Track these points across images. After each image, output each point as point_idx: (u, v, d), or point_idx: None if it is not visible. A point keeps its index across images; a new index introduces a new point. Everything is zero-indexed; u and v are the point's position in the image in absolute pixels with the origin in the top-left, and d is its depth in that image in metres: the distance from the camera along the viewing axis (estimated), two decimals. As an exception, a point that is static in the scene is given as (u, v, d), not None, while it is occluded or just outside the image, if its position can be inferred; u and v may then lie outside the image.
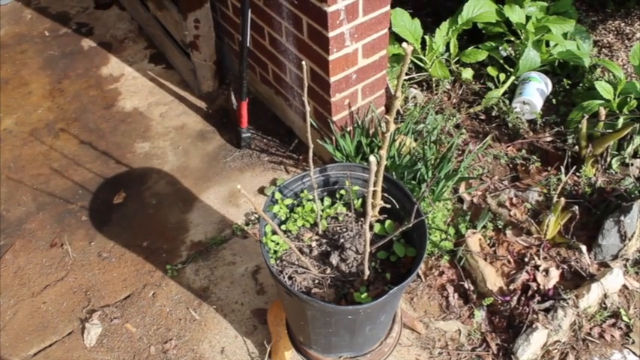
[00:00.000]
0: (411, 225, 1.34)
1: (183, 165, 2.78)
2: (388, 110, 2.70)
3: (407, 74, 3.02)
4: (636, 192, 2.43)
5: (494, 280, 2.18)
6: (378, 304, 1.38)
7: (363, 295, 1.46)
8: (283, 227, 1.64)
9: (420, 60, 3.02)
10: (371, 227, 1.64)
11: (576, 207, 2.24)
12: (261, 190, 2.62)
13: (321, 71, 2.29)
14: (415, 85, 3.00)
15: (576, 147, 2.65)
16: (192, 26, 2.83)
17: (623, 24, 3.44)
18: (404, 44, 1.14)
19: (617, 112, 2.71)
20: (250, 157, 2.78)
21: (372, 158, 1.12)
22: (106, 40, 3.55)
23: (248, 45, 2.52)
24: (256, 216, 2.51)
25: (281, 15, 2.34)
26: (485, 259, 2.24)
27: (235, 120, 2.77)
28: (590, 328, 2.13)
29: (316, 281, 1.55)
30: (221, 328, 2.20)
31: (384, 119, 2.49)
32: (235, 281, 2.33)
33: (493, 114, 2.87)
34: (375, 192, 1.53)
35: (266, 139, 2.85)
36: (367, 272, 1.48)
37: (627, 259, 2.29)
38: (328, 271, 1.56)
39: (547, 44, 2.98)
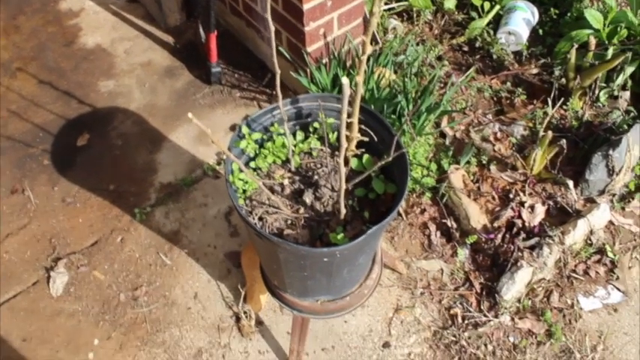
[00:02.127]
0: (390, 159, 1.22)
1: (150, 103, 2.62)
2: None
3: (386, 3, 2.84)
4: (625, 125, 2.33)
5: (477, 218, 2.09)
6: (356, 245, 1.28)
7: (339, 236, 1.35)
8: (252, 164, 1.52)
9: (400, -12, 2.83)
10: (347, 162, 1.52)
11: (563, 141, 2.14)
12: (233, 128, 2.48)
13: (293, -2, 2.12)
14: (395, 16, 2.82)
15: (563, 79, 2.53)
16: (154, -48, 2.61)
17: (613, -51, 3.26)
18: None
19: (607, 42, 2.58)
20: (221, 94, 2.62)
21: (344, 80, 0.99)
22: (64, -29, 3.30)
23: (215, -29, 2.32)
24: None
25: None
26: (469, 196, 2.15)
27: (204, 55, 2.59)
28: (575, 265, 2.07)
29: (289, 222, 1.44)
30: (193, 273, 2.10)
31: (360, 41, 2.34)
32: (207, 224, 2.22)
33: (477, 45, 2.72)
34: (351, 124, 1.41)
35: (237, 74, 2.68)
36: (343, 211, 1.37)
37: (614, 194, 2.22)
38: (302, 210, 1.45)
39: (534, -30, 2.82)
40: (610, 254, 2.09)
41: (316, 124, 1.55)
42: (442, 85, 2.49)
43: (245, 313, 1.95)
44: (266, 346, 1.94)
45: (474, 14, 2.84)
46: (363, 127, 1.46)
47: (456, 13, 2.87)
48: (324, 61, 2.33)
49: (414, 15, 2.82)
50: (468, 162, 2.24)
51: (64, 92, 2.69)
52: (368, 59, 2.41)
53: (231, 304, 2.01)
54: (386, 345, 1.93)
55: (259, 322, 1.98)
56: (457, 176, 2.17)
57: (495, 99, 2.54)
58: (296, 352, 1.83)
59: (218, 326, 1.98)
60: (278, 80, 1.27)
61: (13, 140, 2.51)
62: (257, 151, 1.53)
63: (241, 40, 2.76)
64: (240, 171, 1.49)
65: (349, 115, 1.38)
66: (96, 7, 3.09)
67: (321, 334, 1.95)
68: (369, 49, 1.20)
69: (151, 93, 2.65)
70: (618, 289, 2.04)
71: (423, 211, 2.17)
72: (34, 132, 2.55)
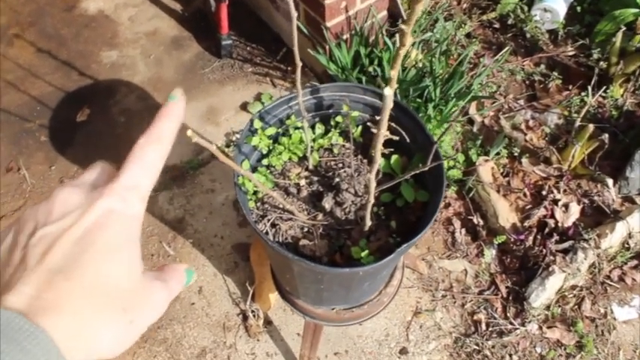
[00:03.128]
0: (425, 168, 1.05)
1: (155, 76, 2.44)
2: (391, 15, 2.34)
3: (412, -26, 2.62)
4: (669, 116, 2.14)
5: (507, 216, 1.93)
6: (382, 264, 1.12)
7: (363, 253, 1.19)
8: (265, 161, 1.35)
9: (428, -43, 2.61)
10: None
11: (605, 135, 1.95)
12: (244, 107, 2.30)
13: (313, -33, 1.92)
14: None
15: (603, 63, 2.32)
16: None
17: None
18: None
19: (653, 22, 2.36)
20: (232, 68, 2.44)
21: (386, 91, 0.81)
22: None
23: None
24: (238, 136, 2.20)
25: None
26: (498, 191, 1.98)
27: (214, 25, 2.40)
28: (610, 271, 1.91)
29: (305, 229, 1.28)
30: (198, 265, 1.96)
31: (386, 27, 2.13)
32: (214, 211, 2.06)
33: (509, 22, 2.51)
34: (380, 120, 1.23)
35: (250, 47, 2.49)
36: (369, 223, 1.20)
37: (656, 193, 2.04)
38: (320, 217, 1.28)
39: (575, -60, 2.58)
40: (648, 259, 1.93)
41: (339, 118, 1.38)
42: (472, 66, 2.29)
43: (253, 312, 1.81)
44: (274, 347, 1.81)
45: (506, -13, 2.62)
46: (393, 124, 1.29)
47: (487, -15, 2.65)
48: (344, 37, 2.14)
49: (442, -14, 2.60)
50: (498, 153, 2.07)
51: (63, 62, 2.51)
52: (392, 35, 2.21)
53: (238, 301, 1.88)
54: (403, 351, 1.79)
55: (268, 322, 1.84)
56: (486, 169, 2.00)
57: (528, 83, 2.35)
58: (307, 358, 1.69)
59: (223, 325, 1.84)
60: (299, 73, 1.09)
61: (8, 113, 2.35)
62: (270, 147, 1.36)
63: (254, 9, 2.56)
64: (254, 169, 1.33)
65: (379, 112, 1.20)
66: (99, -31, 2.88)
67: (334, 337, 1.81)
68: (409, 41, 1.01)
69: (156, 65, 2.47)
70: (656, 298, 1.89)
71: (447, 206, 2.00)
72: (31, 105, 2.38)
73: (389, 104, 0.84)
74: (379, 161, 0.98)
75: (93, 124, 2.31)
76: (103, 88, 2.42)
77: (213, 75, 2.42)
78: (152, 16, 2.66)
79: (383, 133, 0.91)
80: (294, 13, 0.97)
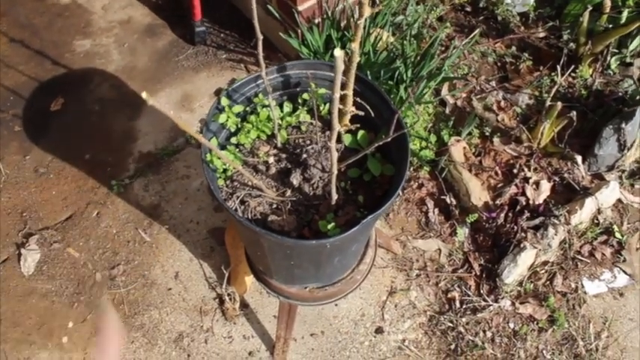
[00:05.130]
0: (389, 139, 1.07)
1: (129, 65, 2.43)
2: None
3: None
4: (637, 96, 2.18)
5: (479, 194, 1.96)
6: (348, 235, 1.14)
7: (329, 226, 1.21)
8: (234, 140, 1.36)
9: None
10: (340, 139, 1.37)
11: (573, 113, 1.98)
12: (218, 93, 2.31)
13: (283, -49, 1.93)
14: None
15: (572, 44, 2.36)
16: None
17: None
18: None
19: (621, 3, 2.39)
20: (206, 55, 2.44)
21: (337, 52, 0.82)
22: None
23: None
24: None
25: None
26: (470, 171, 2.00)
27: (188, 12, 2.39)
28: (581, 246, 1.94)
29: (274, 206, 1.30)
30: (174, 251, 1.96)
31: (356, 3, 2.14)
32: (190, 197, 2.07)
33: (480, 5, 2.53)
34: (345, 96, 1.25)
35: (223, 34, 2.49)
36: (335, 196, 1.22)
37: (623, 171, 2.08)
38: (288, 193, 1.30)
39: None
40: (617, 235, 1.97)
41: (306, 96, 1.39)
42: (443, 48, 2.31)
43: (229, 295, 1.82)
44: (251, 330, 1.82)
45: (478, -29, 2.64)
46: (358, 99, 1.31)
47: (459, -31, 2.67)
48: (316, 21, 2.15)
49: (414, -29, 2.61)
50: (470, 133, 2.09)
51: (36, 52, 2.49)
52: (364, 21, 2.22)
53: (214, 285, 1.89)
54: (379, 330, 1.81)
55: (244, 305, 1.85)
56: (458, 149, 2.02)
57: (499, 64, 2.37)
58: (283, 339, 1.71)
59: (200, 309, 1.85)
60: (260, 47, 1.10)
61: (-19, 104, 2.33)
62: (239, 125, 1.37)
63: (227, -4, 2.56)
64: (222, 147, 1.34)
65: (343, 87, 1.22)
66: (72, -41, 2.86)
67: (310, 318, 1.83)
68: (367, 12, 1.03)
69: (130, 54, 2.46)
70: (625, 272, 1.93)
71: (420, 186, 2.03)
72: (5, 95, 2.36)
73: (340, 66, 0.85)
74: (337, 128, 0.99)
75: (67, 113, 2.30)
76: (77, 77, 2.41)
77: (187, 62, 2.42)
78: (126, 4, 2.65)
79: (337, 98, 0.92)
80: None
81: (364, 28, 2.06)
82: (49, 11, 2.64)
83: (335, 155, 1.08)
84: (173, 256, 1.95)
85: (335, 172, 1.12)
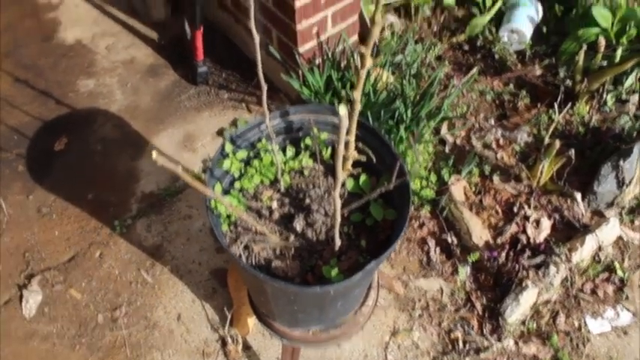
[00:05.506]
0: (391, 186, 1.08)
1: (132, 105, 2.46)
2: (362, 40, 2.39)
3: (383, -1, 2.69)
4: (634, 132, 2.20)
5: (480, 233, 1.97)
6: (352, 282, 1.15)
7: (333, 272, 1.22)
8: (237, 184, 1.38)
9: (398, -17, 2.68)
10: (342, 184, 1.38)
11: (572, 151, 2.01)
12: (221, 132, 2.33)
13: (284, -6, 1.98)
14: (392, 11, 2.67)
15: (569, 81, 2.39)
16: (136, -57, 2.45)
17: (619, -58, 3.11)
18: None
19: (615, 41, 2.44)
20: (208, 95, 2.47)
21: (341, 110, 0.84)
22: (43, -40, 3.12)
23: (200, -35, 2.17)
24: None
25: None
26: (471, 209, 2.02)
27: (190, 52, 2.43)
28: (583, 284, 1.94)
29: (278, 251, 1.31)
30: (177, 292, 1.96)
31: (358, 51, 2.18)
32: (192, 237, 2.08)
33: (478, 44, 2.58)
34: (347, 142, 1.27)
35: (225, 74, 2.53)
36: (338, 243, 1.23)
37: (623, 207, 2.09)
38: (292, 238, 1.31)
39: (538, -36, 2.67)
40: (619, 272, 1.97)
41: (308, 141, 1.41)
42: (442, 87, 2.35)
43: (232, 337, 1.81)
44: (254, 372, 1.81)
45: (474, 10, 2.70)
46: (360, 144, 1.33)
47: (456, 9, 2.73)
48: (316, 62, 2.19)
49: (412, 10, 2.67)
50: (470, 172, 2.11)
51: (41, 92, 2.53)
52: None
53: (216, 326, 1.88)
54: (382, 371, 1.80)
55: (247, 347, 1.84)
56: (458, 188, 2.04)
57: (497, 102, 2.41)
58: (286, 381, 1.70)
59: (203, 351, 1.85)
60: (264, 97, 1.13)
61: (-15, 144, 2.36)
62: (242, 170, 1.38)
63: (229, 36, 2.60)
64: (225, 192, 1.36)
65: (345, 133, 1.23)
66: (76, 0, 2.92)
67: (313, 359, 1.82)
68: (369, 63, 1.05)
69: (133, 93, 2.50)
70: (628, 310, 1.92)
71: (421, 226, 2.04)
72: (9, 135, 2.39)
73: (344, 123, 0.87)
74: (341, 179, 1.01)
75: (70, 152, 2.32)
76: (81, 116, 2.44)
77: (189, 102, 2.45)
78: (129, 44, 2.69)
79: (342, 151, 0.94)
80: (257, 37, 1.01)
81: (366, 74, 2.09)
82: (54, 52, 2.69)
83: (339, 206, 1.09)
84: (175, 297, 1.95)
85: (338, 220, 1.13)
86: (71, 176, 2.26)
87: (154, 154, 0.69)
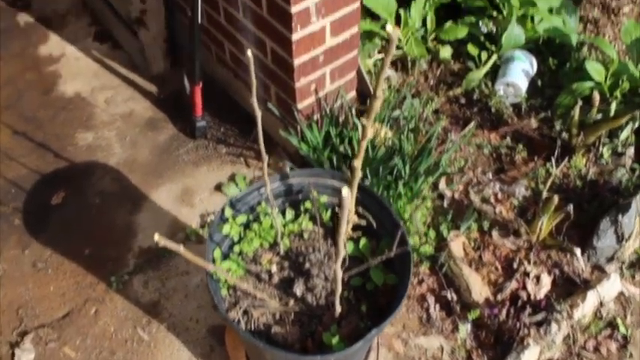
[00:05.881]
0: (392, 254, 1.08)
1: (131, 158, 2.47)
2: (360, 95, 2.42)
3: (379, 52, 2.74)
4: (631, 185, 2.22)
5: (480, 290, 1.95)
6: (352, 349, 1.13)
7: (334, 340, 1.20)
8: (237, 248, 1.37)
9: (394, 37, 2.73)
10: (342, 247, 1.38)
11: (570, 206, 2.01)
12: (219, 187, 2.33)
13: (283, 52, 2.01)
14: (389, 65, 2.71)
15: (565, 134, 2.42)
16: None
17: (608, -3, 3.19)
18: (389, 27, 0.86)
19: (609, 95, 2.48)
20: (206, 149, 2.48)
21: (344, 191, 0.85)
22: (46, 15, 3.16)
23: (200, 22, 2.20)
24: (212, 217, 2.22)
25: (236, -13, 2.04)
26: (470, 266, 2.01)
27: (189, 106, 2.46)
28: (585, 342, 1.92)
29: (277, 316, 1.29)
30: (173, 350, 1.93)
31: (360, 122, 2.19)
32: (190, 294, 2.05)
33: (474, 97, 2.61)
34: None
35: (223, 128, 2.54)
36: (339, 309, 1.22)
37: (623, 262, 2.08)
38: (291, 303, 1.30)
39: (531, 20, 2.73)
40: (622, 328, 1.95)
41: (308, 204, 1.41)
42: (440, 141, 2.36)
43: (228, 398, 1.77)
44: None
45: (470, 64, 2.74)
46: (360, 208, 1.33)
47: (452, 62, 2.77)
48: (315, 118, 2.21)
49: (409, 64, 2.71)
50: (469, 227, 2.11)
51: (39, 144, 2.54)
52: (361, 114, 2.29)
53: (213, 386, 1.84)
54: None
55: (244, 409, 1.80)
56: (457, 244, 2.03)
57: (495, 155, 2.42)
58: None
59: (199, 412, 1.80)
60: (265, 167, 1.13)
61: (-18, 198, 2.35)
62: (242, 234, 1.38)
63: (228, 91, 2.63)
64: (225, 257, 1.35)
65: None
66: (77, 53, 2.95)
67: (312, 421, 1.78)
68: (371, 134, 1.06)
69: (131, 147, 2.51)
70: (632, 368, 1.90)
71: (420, 282, 2.02)
72: (6, 188, 2.39)
73: (347, 204, 0.87)
74: (343, 253, 1.01)
75: (68, 206, 2.32)
76: (79, 170, 2.44)
77: (187, 156, 2.46)
78: (128, 98, 2.72)
79: (344, 231, 0.94)
80: (259, 113, 1.02)
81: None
82: (54, 104, 2.71)
83: (340, 277, 1.08)
84: (172, 355, 1.91)
85: (339, 290, 1.12)
86: (68, 230, 2.24)
87: (156, 236, 0.69)
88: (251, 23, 2.09)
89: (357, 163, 1.14)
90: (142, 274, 2.10)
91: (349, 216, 1.31)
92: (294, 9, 1.82)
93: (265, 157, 1.11)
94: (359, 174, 1.18)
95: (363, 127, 1.04)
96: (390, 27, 0.84)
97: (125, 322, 1.99)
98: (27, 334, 1.97)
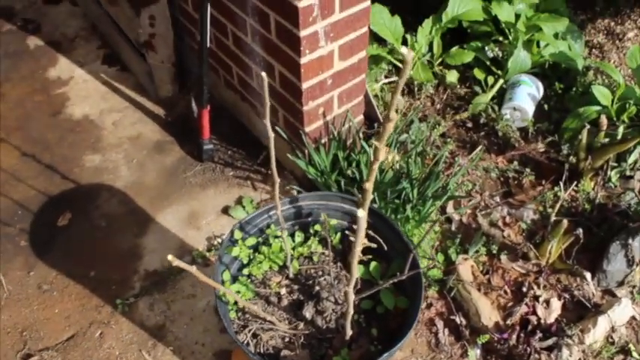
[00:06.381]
0: (404, 277, 1.07)
1: (137, 181, 2.47)
2: (367, 118, 2.43)
3: (386, 77, 2.76)
4: (640, 209, 2.20)
5: (489, 314, 1.93)
6: (364, 375, 1.11)
7: (344, 365, 1.18)
8: (246, 271, 1.36)
9: (401, 61, 2.75)
10: (352, 270, 1.36)
11: (580, 230, 2.00)
12: (226, 210, 2.33)
13: (291, 76, 2.02)
14: (402, 86, 2.72)
15: (572, 158, 2.41)
16: (146, 23, 2.52)
17: (613, 23, 3.22)
18: (404, 49, 0.86)
19: (615, 119, 2.48)
20: (213, 172, 2.48)
21: (360, 213, 0.84)
22: (55, 38, 3.20)
23: (209, 45, 2.22)
24: (219, 240, 2.21)
25: (245, 10, 2.05)
26: (479, 290, 1.99)
27: (196, 129, 2.46)
28: (597, 367, 1.89)
29: (287, 339, 1.27)
30: (179, 375, 1.91)
31: (371, 144, 2.20)
32: (195, 317, 2.03)
33: (481, 121, 2.62)
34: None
35: (231, 151, 2.55)
36: (349, 333, 1.20)
37: (634, 286, 2.06)
38: (301, 326, 1.28)
39: (537, 44, 2.74)
40: (634, 354, 1.92)
41: (318, 227, 1.41)
42: (447, 165, 2.36)
43: None
44: None
45: (477, 88, 2.75)
46: (370, 232, 1.32)
47: (459, 87, 2.79)
48: (323, 141, 2.21)
49: (415, 89, 2.73)
50: (477, 251, 2.09)
51: (47, 166, 2.54)
52: (369, 137, 2.29)
53: (219, 412, 1.82)
54: None
55: None
56: (466, 267, 2.01)
57: (502, 179, 2.42)
58: None
59: None
60: (277, 189, 1.13)
61: (-12, 219, 2.34)
62: (251, 256, 1.37)
63: (235, 114, 2.64)
64: (234, 279, 1.34)
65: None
66: (85, 76, 2.98)
67: None
68: (382, 156, 1.06)
69: (139, 169, 2.51)
70: (645, 396, 1.87)
71: (429, 306, 2.00)
72: (13, 209, 2.39)
73: (362, 225, 0.87)
74: (356, 276, 1.00)
75: (73, 228, 2.31)
76: (85, 192, 2.44)
77: (194, 179, 2.46)
78: (136, 120, 2.73)
79: (358, 253, 0.93)
80: (272, 134, 1.02)
81: (370, 146, 2.11)
82: (62, 127, 2.72)
83: (352, 299, 1.07)
84: (177, 380, 1.89)
85: (351, 314, 1.11)
86: (74, 252, 2.24)
87: (170, 256, 0.69)
88: (259, 47, 2.10)
89: (369, 185, 1.13)
90: (147, 297, 2.08)
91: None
92: (303, 33, 1.83)
93: (277, 179, 1.10)
94: (370, 196, 1.17)
95: (375, 149, 1.04)
96: (405, 49, 0.84)
97: (130, 346, 1.97)
98: (31, 356, 1.95)
